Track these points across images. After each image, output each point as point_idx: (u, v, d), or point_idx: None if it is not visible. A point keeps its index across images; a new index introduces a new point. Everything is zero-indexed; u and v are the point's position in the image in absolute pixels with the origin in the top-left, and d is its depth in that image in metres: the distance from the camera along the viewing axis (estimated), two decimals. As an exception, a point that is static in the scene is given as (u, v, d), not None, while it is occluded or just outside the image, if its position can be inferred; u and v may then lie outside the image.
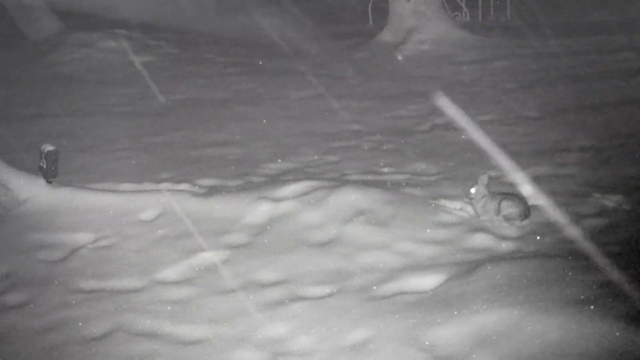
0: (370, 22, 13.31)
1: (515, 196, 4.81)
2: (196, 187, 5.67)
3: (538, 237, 4.54)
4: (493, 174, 4.97)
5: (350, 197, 5.00)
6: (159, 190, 5.48)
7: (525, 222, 4.71)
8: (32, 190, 5.37)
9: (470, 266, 4.15)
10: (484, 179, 4.79)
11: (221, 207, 5.13)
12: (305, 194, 5.14)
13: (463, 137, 6.77)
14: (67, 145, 6.81)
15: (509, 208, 4.70)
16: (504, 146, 6.38)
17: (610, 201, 5.00)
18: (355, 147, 6.73)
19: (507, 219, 4.71)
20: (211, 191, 5.53)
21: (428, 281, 4.15)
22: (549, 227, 4.68)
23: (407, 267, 4.31)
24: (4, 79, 10.45)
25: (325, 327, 3.77)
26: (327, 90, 9.04)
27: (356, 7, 14.55)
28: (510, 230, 4.67)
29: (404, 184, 5.55)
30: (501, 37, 11.27)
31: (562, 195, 5.16)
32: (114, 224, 5.06)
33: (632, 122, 6.72)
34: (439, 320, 3.61)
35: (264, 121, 7.76)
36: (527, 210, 4.75)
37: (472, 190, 4.82)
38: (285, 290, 4.17)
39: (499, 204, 4.72)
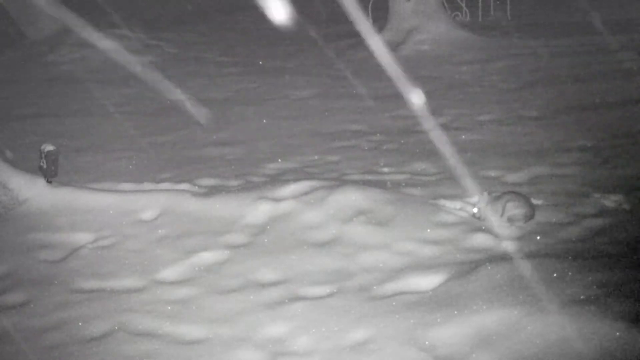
0: (371, 22, 13.29)
1: (521, 196, 4.76)
2: (196, 187, 5.67)
3: (538, 237, 4.54)
4: (490, 192, 4.90)
5: (350, 197, 5.00)
6: (159, 190, 5.48)
7: (529, 223, 4.70)
8: (32, 190, 5.37)
9: (470, 266, 4.15)
10: (484, 197, 4.79)
11: (221, 207, 5.13)
12: (305, 194, 5.15)
13: (463, 137, 6.77)
14: (67, 145, 6.81)
15: (515, 209, 4.66)
16: (504, 146, 6.38)
17: (610, 201, 5.00)
18: (355, 147, 6.73)
19: (511, 220, 4.68)
20: (211, 191, 5.53)
21: (428, 281, 4.15)
22: (549, 227, 4.68)
23: (407, 267, 4.31)
24: (4, 79, 10.45)
25: (325, 327, 3.77)
26: (327, 90, 9.04)
27: (356, 7, 14.54)
28: (510, 230, 4.66)
29: (404, 184, 5.55)
30: (501, 37, 11.26)
31: (562, 195, 5.16)
32: (114, 224, 5.06)
33: (632, 122, 6.72)
34: (439, 320, 3.61)
35: (264, 121, 7.76)
36: (532, 211, 4.72)
37: (475, 210, 4.84)
38: (285, 290, 4.17)
39: (504, 205, 4.68)
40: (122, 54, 11.61)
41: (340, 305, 3.95)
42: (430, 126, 7.24)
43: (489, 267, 4.00)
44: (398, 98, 8.38)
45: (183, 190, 5.47)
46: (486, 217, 4.72)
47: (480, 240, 4.55)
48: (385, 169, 6.02)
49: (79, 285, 4.37)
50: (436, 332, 3.54)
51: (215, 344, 3.71)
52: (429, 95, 8.38)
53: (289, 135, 7.21)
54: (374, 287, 4.12)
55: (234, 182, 5.86)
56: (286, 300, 4.05)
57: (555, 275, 3.80)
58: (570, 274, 3.79)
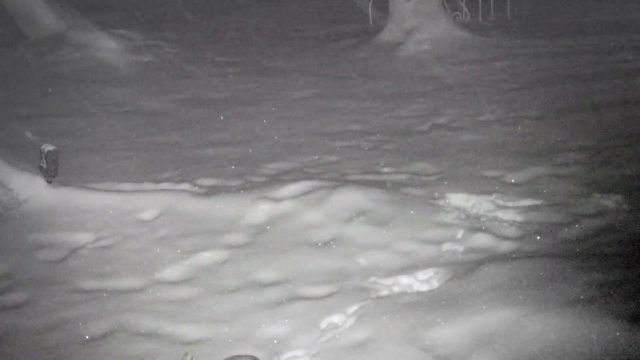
0: (370, 22, 13.30)
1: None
2: (196, 187, 5.66)
3: (538, 237, 4.54)
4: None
5: (350, 197, 5.00)
6: (159, 190, 5.48)
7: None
8: (32, 190, 5.37)
9: (470, 266, 4.15)
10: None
11: (221, 207, 5.13)
12: (305, 194, 5.15)
13: (463, 137, 6.76)
14: (67, 145, 6.80)
15: None
16: (504, 146, 6.37)
17: (610, 201, 5.00)
18: (355, 147, 6.73)
19: None
20: (211, 191, 5.53)
21: (428, 281, 4.15)
22: (549, 227, 4.68)
23: (407, 267, 4.31)
24: (4, 79, 10.45)
25: (325, 327, 3.77)
26: (327, 90, 9.03)
27: (356, 7, 14.55)
28: (510, 230, 4.66)
29: (404, 184, 5.55)
30: (501, 37, 11.27)
31: (562, 195, 5.16)
32: (114, 224, 5.06)
33: (632, 122, 6.72)
34: (439, 320, 3.61)
35: (264, 121, 7.76)
36: None
37: None
38: (285, 290, 4.17)
39: None
40: (122, 54, 11.60)
41: (340, 305, 3.95)
42: (430, 126, 7.24)
43: (489, 267, 4.00)
44: (398, 98, 8.38)
45: (183, 190, 5.47)
46: None
47: (480, 240, 4.55)
48: (385, 169, 6.01)
49: (79, 285, 4.37)
50: (436, 332, 3.53)
51: (215, 344, 3.71)
52: (429, 95, 8.39)
53: (289, 135, 7.21)
54: (374, 287, 4.12)
55: (234, 182, 5.85)
56: (286, 300, 4.05)
57: (555, 275, 3.80)
58: (570, 274, 3.79)
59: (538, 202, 5.05)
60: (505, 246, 4.46)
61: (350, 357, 3.49)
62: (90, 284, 4.38)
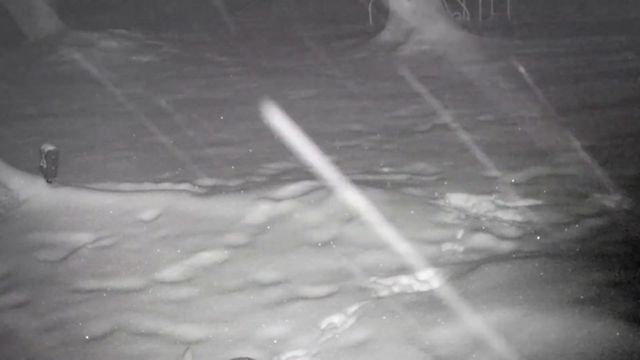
0: (370, 22, 13.30)
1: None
2: (196, 187, 5.67)
3: (538, 237, 4.54)
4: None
5: (350, 197, 5.01)
6: (159, 190, 5.49)
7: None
8: (32, 190, 5.38)
9: (470, 266, 4.15)
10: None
11: (221, 207, 5.13)
12: (305, 194, 5.15)
13: (463, 137, 6.76)
14: (67, 145, 6.81)
15: None
16: (504, 146, 6.37)
17: (610, 201, 5.00)
18: (356, 147, 6.73)
19: None
20: (211, 191, 5.53)
21: (428, 281, 4.15)
22: (549, 227, 4.68)
23: (407, 267, 4.31)
24: (4, 79, 10.45)
25: (325, 327, 3.77)
26: (327, 90, 9.04)
27: (356, 7, 14.55)
28: (510, 230, 4.67)
29: (404, 184, 5.55)
30: (501, 37, 11.27)
31: (562, 195, 5.16)
32: (114, 224, 5.07)
33: (632, 122, 6.72)
34: (439, 320, 3.61)
35: (264, 121, 7.76)
36: None
37: None
38: (285, 290, 4.17)
39: None
40: (122, 54, 11.61)
41: (340, 305, 3.95)
42: (430, 126, 7.24)
43: (489, 267, 4.00)
44: (398, 98, 8.38)
45: (183, 190, 5.47)
46: None
47: (480, 240, 4.55)
48: (385, 169, 6.02)
49: (79, 285, 4.37)
50: (436, 332, 3.53)
51: (215, 344, 3.71)
52: (429, 95, 8.39)
53: (289, 135, 7.20)
54: (374, 287, 4.13)
55: (233, 182, 5.85)
56: (286, 300, 4.05)
57: (555, 275, 3.80)
58: (570, 274, 3.79)
59: (538, 202, 5.05)
60: (505, 246, 4.46)
61: (350, 357, 3.49)
62: (90, 284, 4.39)
